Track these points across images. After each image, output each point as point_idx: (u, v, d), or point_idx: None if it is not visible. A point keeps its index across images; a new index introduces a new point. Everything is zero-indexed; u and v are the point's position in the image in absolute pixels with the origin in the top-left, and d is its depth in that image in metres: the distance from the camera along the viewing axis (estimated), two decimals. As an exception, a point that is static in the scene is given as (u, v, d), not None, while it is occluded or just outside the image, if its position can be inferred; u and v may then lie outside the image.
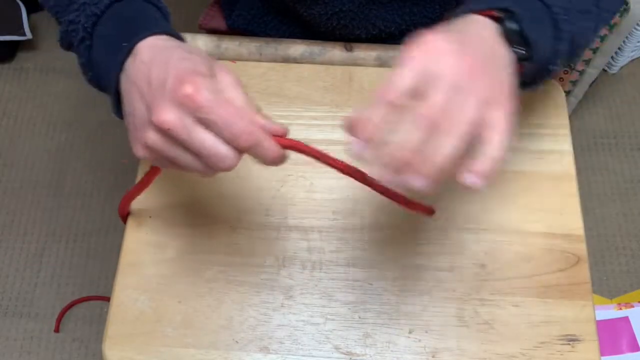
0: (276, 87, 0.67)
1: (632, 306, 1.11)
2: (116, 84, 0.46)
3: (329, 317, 0.56)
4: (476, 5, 0.47)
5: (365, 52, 0.70)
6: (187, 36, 0.70)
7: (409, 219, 0.60)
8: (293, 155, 0.63)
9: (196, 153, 0.42)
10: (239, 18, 0.76)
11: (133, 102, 0.43)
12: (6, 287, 1.28)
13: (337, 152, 0.63)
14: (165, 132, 0.41)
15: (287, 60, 0.69)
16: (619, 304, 1.13)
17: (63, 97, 1.49)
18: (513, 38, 0.46)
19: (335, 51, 0.70)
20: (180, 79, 0.40)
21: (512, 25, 0.46)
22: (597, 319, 0.56)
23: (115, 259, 0.59)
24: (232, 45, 0.70)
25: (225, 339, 0.55)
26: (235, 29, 0.77)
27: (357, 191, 0.61)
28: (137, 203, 0.61)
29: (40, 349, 1.21)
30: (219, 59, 0.70)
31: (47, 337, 1.23)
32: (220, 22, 0.80)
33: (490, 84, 0.41)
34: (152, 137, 0.42)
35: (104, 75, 0.47)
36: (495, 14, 0.46)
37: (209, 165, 0.42)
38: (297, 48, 0.70)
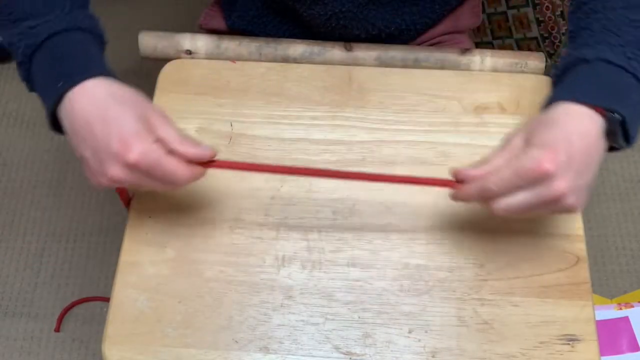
0: (276, 87, 0.67)
1: (632, 306, 1.11)
2: (52, 113, 0.52)
3: (328, 317, 0.56)
4: (582, 96, 0.50)
5: (365, 52, 0.70)
6: (187, 36, 0.70)
7: (408, 219, 0.60)
8: (293, 155, 0.63)
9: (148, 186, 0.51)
10: (239, 18, 0.76)
11: (80, 148, 0.51)
12: (6, 287, 1.27)
13: (337, 152, 0.64)
14: (117, 182, 0.50)
15: (287, 60, 0.69)
16: (619, 304, 1.13)
17: (63, 97, 1.48)
18: (615, 131, 0.50)
19: (335, 51, 0.70)
20: (124, 144, 0.48)
21: (616, 117, 0.50)
22: (597, 319, 0.56)
23: (115, 259, 0.59)
24: (232, 45, 0.70)
25: (225, 339, 0.55)
26: (235, 29, 0.77)
27: (357, 191, 0.62)
28: (137, 203, 0.61)
29: (40, 349, 1.21)
30: (219, 59, 0.70)
31: (47, 337, 1.23)
32: (220, 22, 0.80)
33: (584, 184, 0.49)
34: (106, 183, 0.51)
35: (43, 99, 0.52)
36: (603, 111, 0.50)
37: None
38: (297, 48, 0.70)
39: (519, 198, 0.48)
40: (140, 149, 0.48)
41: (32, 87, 0.55)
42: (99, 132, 0.49)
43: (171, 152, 0.50)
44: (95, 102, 0.49)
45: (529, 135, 0.50)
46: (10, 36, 0.53)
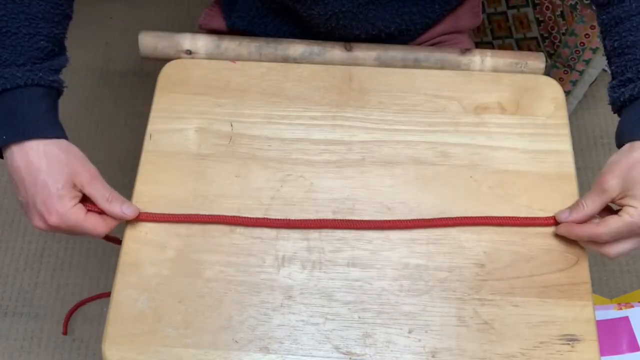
0: (276, 87, 0.67)
1: (632, 306, 1.10)
2: None
3: (328, 317, 0.56)
4: None
5: (365, 52, 0.70)
6: (187, 36, 0.70)
7: (408, 219, 0.60)
8: (293, 155, 0.63)
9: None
10: (239, 18, 0.76)
11: (17, 193, 0.58)
12: (6, 287, 1.28)
13: (337, 152, 0.64)
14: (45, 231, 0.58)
15: (287, 60, 0.69)
16: (619, 304, 1.13)
17: (63, 97, 1.48)
18: None
19: (335, 51, 0.70)
20: (47, 208, 0.56)
21: None
22: (597, 319, 0.56)
23: (115, 259, 0.59)
24: (232, 45, 0.70)
25: (225, 339, 0.55)
26: (235, 30, 0.77)
27: (357, 191, 0.62)
28: (137, 203, 0.61)
29: (40, 348, 1.21)
30: (219, 59, 0.70)
31: (47, 337, 1.23)
32: (220, 23, 0.80)
33: None
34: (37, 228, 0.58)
35: None
36: None
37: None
38: (297, 48, 0.70)
39: (628, 245, 0.55)
40: (60, 213, 0.55)
41: None
42: (30, 190, 0.56)
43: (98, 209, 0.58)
44: (29, 164, 0.56)
45: (626, 185, 0.54)
46: None
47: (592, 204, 0.56)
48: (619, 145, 0.57)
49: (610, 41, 0.60)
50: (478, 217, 0.59)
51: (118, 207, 0.58)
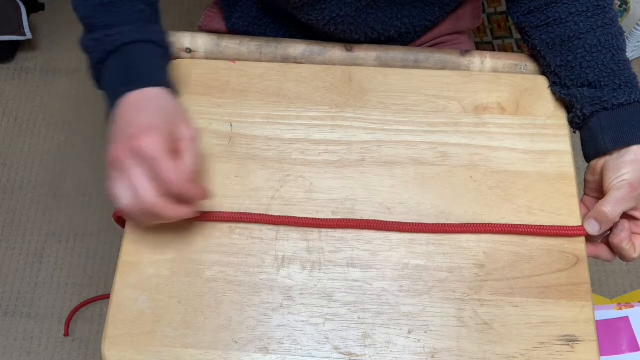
0: (276, 87, 0.67)
1: (632, 306, 1.10)
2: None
3: (328, 317, 0.56)
4: None
5: (365, 52, 0.70)
6: (187, 35, 0.70)
7: (408, 219, 0.60)
8: (293, 155, 0.63)
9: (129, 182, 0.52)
10: (239, 20, 0.76)
11: (113, 128, 0.55)
12: (6, 287, 1.28)
13: (337, 152, 0.64)
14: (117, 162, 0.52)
15: (287, 60, 0.69)
16: (619, 304, 1.13)
17: (63, 97, 1.49)
18: None
19: (335, 51, 0.70)
20: (138, 132, 0.51)
21: None
22: (597, 319, 0.57)
23: (115, 259, 0.59)
24: (232, 44, 0.70)
25: (225, 339, 0.55)
26: (235, 31, 0.77)
27: (356, 191, 0.61)
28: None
29: (40, 349, 1.22)
30: (219, 58, 0.70)
31: (47, 337, 1.23)
32: (220, 24, 0.80)
33: None
34: (113, 161, 0.53)
35: (107, 95, 0.58)
36: None
37: (135, 197, 0.51)
38: (297, 48, 0.70)
39: None
40: (147, 140, 0.51)
41: (99, 86, 0.60)
42: (126, 118, 0.54)
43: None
44: (143, 98, 0.56)
45: None
46: (88, 41, 0.59)
47: (619, 212, 0.58)
48: (611, 145, 0.60)
49: (560, 57, 0.65)
50: (504, 225, 0.59)
51: (194, 185, 0.54)
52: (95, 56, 0.59)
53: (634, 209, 0.59)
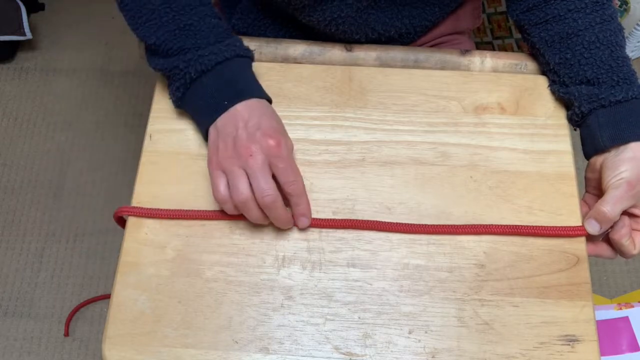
0: (276, 87, 0.67)
1: (632, 306, 1.10)
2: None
3: (328, 317, 0.56)
4: None
5: (365, 52, 0.70)
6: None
7: (408, 219, 0.60)
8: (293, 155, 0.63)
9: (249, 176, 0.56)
10: (239, 20, 0.76)
11: (232, 128, 0.58)
12: (6, 287, 1.28)
13: (337, 152, 0.64)
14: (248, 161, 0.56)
15: (287, 60, 0.69)
16: (619, 304, 1.13)
17: (63, 97, 1.49)
18: None
19: (335, 51, 0.70)
20: (269, 134, 0.56)
21: None
22: (597, 319, 0.56)
23: (115, 259, 0.59)
24: (232, 45, 0.70)
25: (225, 339, 0.55)
26: (235, 32, 0.77)
27: (357, 191, 0.61)
28: (137, 203, 0.61)
29: (40, 349, 1.22)
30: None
31: (47, 337, 1.23)
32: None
33: None
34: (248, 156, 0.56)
35: (201, 113, 0.61)
36: None
37: (257, 193, 0.55)
38: (297, 48, 0.70)
39: None
40: (279, 141, 0.56)
41: (182, 104, 0.63)
42: (252, 122, 0.57)
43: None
44: (258, 106, 0.59)
45: None
46: (172, 62, 0.61)
47: (619, 210, 0.58)
48: (608, 143, 0.60)
49: (559, 54, 0.65)
50: (504, 226, 0.59)
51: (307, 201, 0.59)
52: (187, 76, 0.60)
53: (634, 206, 0.59)
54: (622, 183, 0.58)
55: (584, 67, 0.63)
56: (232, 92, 0.59)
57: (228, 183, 0.56)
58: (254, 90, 0.61)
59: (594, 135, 0.61)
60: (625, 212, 0.59)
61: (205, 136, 0.61)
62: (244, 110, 0.58)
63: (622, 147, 0.59)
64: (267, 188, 0.55)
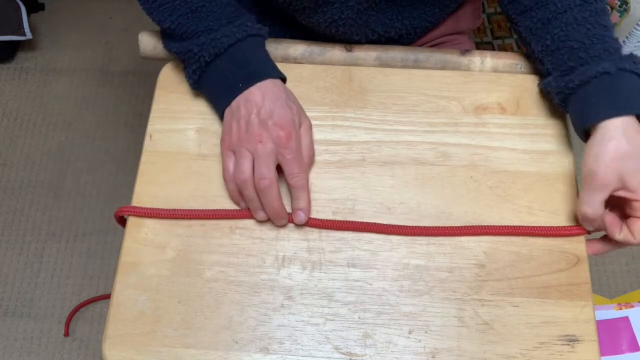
0: (276, 87, 0.67)
1: (632, 306, 1.10)
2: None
3: (328, 317, 0.56)
4: (630, 109, 0.55)
5: (365, 52, 0.70)
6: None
7: (408, 219, 0.60)
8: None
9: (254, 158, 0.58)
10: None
11: (248, 111, 0.59)
12: (6, 287, 1.28)
13: (337, 152, 0.64)
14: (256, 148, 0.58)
15: (287, 60, 0.69)
16: (619, 304, 1.13)
17: (63, 97, 1.49)
18: None
19: (335, 51, 0.70)
20: (281, 125, 0.58)
21: None
22: (597, 319, 0.56)
23: (115, 259, 0.59)
24: (232, 45, 0.70)
25: (225, 340, 0.55)
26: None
27: (357, 191, 0.61)
28: (137, 204, 0.61)
29: (40, 349, 1.22)
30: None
31: (47, 337, 1.23)
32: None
33: None
34: (255, 144, 0.58)
35: (217, 95, 0.63)
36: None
37: (257, 178, 0.57)
38: (297, 48, 0.70)
39: None
40: (289, 132, 0.58)
41: (198, 86, 0.64)
42: (265, 109, 0.59)
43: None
44: (272, 89, 0.60)
45: (619, 177, 0.54)
46: (187, 46, 0.62)
47: (597, 205, 0.55)
48: (582, 129, 0.58)
49: (541, 41, 0.63)
50: (504, 227, 0.59)
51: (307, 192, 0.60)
52: (202, 60, 0.61)
53: (617, 189, 0.55)
54: (588, 176, 0.55)
55: (561, 52, 0.60)
56: (245, 74, 0.60)
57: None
58: (268, 70, 0.62)
59: (573, 124, 0.60)
60: (614, 198, 0.56)
61: (222, 117, 0.62)
62: (257, 94, 0.59)
63: (594, 132, 0.56)
64: (266, 173, 0.57)
